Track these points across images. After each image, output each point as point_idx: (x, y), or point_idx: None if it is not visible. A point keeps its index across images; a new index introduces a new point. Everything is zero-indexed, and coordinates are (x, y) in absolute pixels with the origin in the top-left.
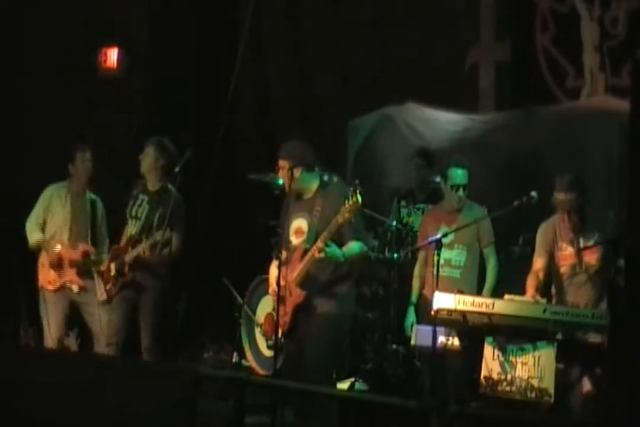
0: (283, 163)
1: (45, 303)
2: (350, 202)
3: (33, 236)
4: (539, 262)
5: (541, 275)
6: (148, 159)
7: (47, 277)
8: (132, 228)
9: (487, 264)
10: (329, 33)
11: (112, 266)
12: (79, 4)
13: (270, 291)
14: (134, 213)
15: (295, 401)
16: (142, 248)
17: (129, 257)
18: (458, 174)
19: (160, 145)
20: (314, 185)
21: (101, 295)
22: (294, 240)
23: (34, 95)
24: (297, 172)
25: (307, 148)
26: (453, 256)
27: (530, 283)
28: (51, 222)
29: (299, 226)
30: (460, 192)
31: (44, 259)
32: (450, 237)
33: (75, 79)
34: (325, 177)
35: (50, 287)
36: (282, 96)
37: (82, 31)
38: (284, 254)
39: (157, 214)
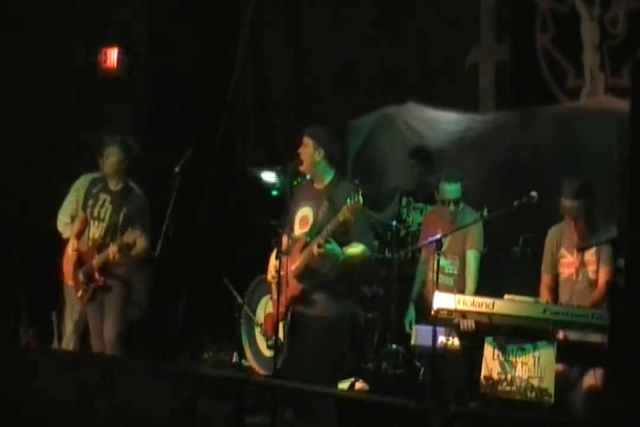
0: (308, 141)
1: (67, 296)
2: (352, 202)
3: (67, 229)
4: (546, 278)
5: (552, 287)
6: (113, 159)
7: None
8: (95, 230)
9: (466, 269)
10: (329, 33)
11: (80, 272)
12: (79, 4)
13: (268, 277)
14: (95, 214)
15: (295, 401)
16: (112, 252)
17: (97, 261)
18: (449, 190)
19: (125, 144)
20: (328, 177)
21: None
22: (298, 229)
23: (33, 95)
24: (318, 155)
25: (336, 139)
26: (446, 264)
27: (544, 294)
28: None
29: (305, 214)
30: (452, 206)
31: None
32: (445, 246)
33: (75, 79)
34: (339, 176)
35: (70, 283)
36: (282, 96)
37: (82, 31)
38: (285, 242)
39: (122, 215)
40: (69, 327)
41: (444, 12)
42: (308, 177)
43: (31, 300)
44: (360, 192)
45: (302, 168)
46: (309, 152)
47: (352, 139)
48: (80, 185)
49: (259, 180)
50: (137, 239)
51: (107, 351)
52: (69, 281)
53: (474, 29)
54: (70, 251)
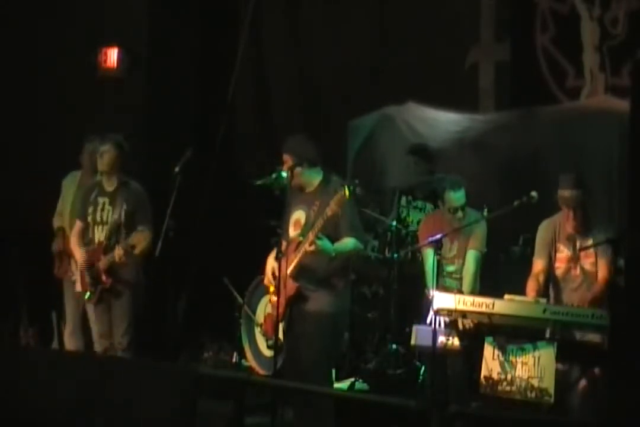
0: (286, 158)
1: (65, 292)
2: (338, 195)
3: (54, 224)
4: (538, 265)
5: (541, 278)
6: (108, 156)
7: (59, 266)
8: (99, 234)
9: (464, 268)
10: (329, 33)
11: (86, 273)
12: (79, 4)
13: (265, 281)
14: (98, 219)
15: (295, 400)
16: (117, 255)
17: (103, 263)
18: (455, 197)
19: (117, 142)
20: (316, 180)
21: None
22: (292, 232)
23: (34, 96)
24: (298, 170)
25: (309, 143)
26: (455, 269)
27: (531, 286)
28: (65, 209)
29: (298, 217)
30: (459, 213)
31: (56, 248)
32: (453, 252)
33: (75, 79)
34: (327, 174)
35: (64, 276)
36: (282, 96)
37: (82, 31)
38: (283, 245)
39: (123, 212)
40: (69, 326)
41: (444, 12)
42: None
43: (31, 300)
44: (346, 186)
45: (292, 183)
46: (290, 168)
47: (352, 139)
48: (66, 182)
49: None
50: (142, 237)
51: (116, 353)
52: (62, 275)
53: (474, 29)
54: (78, 259)
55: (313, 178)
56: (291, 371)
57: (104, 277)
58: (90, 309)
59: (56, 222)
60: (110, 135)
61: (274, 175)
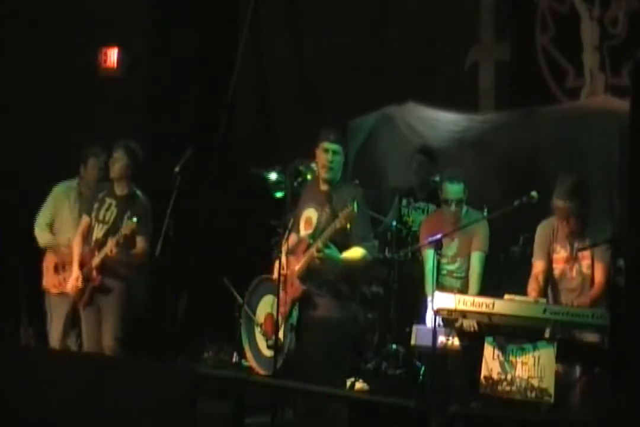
0: (338, 147)
1: (49, 305)
2: (347, 211)
3: (43, 237)
4: (538, 266)
5: (541, 278)
6: (119, 164)
7: (51, 280)
8: (98, 232)
9: (470, 270)
10: (329, 33)
11: (79, 275)
12: (79, 4)
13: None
14: (101, 217)
15: (296, 401)
16: (109, 246)
17: (96, 260)
18: (452, 190)
19: (130, 150)
20: (337, 178)
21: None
22: (303, 230)
23: (34, 95)
24: (340, 160)
25: None
26: (455, 268)
27: (532, 287)
28: (59, 223)
29: (309, 215)
30: (453, 206)
31: (49, 262)
32: (453, 250)
33: (75, 79)
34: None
35: (54, 291)
36: (282, 96)
37: (82, 31)
38: (292, 241)
39: (126, 217)
40: (56, 336)
41: (444, 12)
42: (309, 177)
43: (31, 300)
44: (355, 200)
45: (327, 175)
46: (341, 159)
47: (352, 139)
48: (58, 193)
49: (266, 181)
50: (138, 241)
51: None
52: (52, 289)
53: (474, 29)
54: (74, 250)
55: (339, 175)
56: (298, 376)
57: (94, 274)
58: (82, 312)
59: (45, 237)
60: (121, 142)
61: (279, 174)
